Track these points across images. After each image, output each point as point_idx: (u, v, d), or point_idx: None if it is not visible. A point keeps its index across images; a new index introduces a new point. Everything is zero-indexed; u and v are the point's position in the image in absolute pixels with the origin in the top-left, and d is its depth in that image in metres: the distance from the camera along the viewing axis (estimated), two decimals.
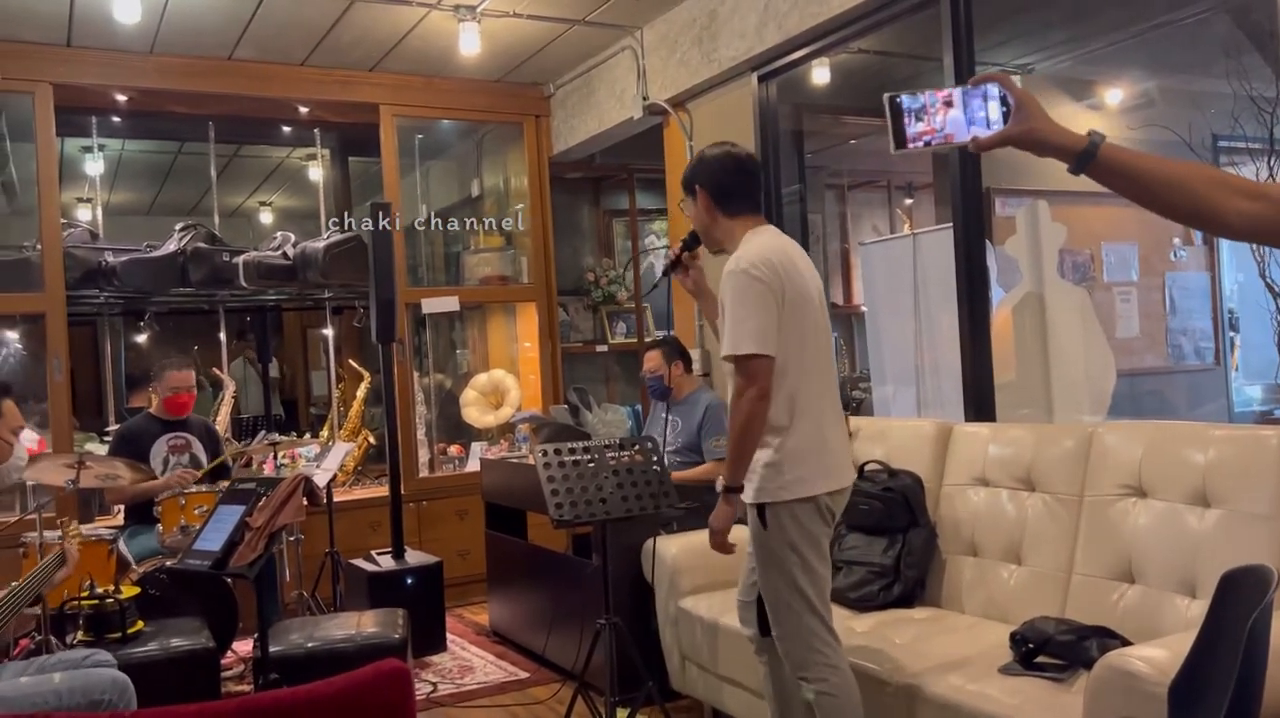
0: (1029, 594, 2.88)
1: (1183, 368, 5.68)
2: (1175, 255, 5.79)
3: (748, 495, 2.59)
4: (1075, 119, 5.69)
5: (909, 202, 7.36)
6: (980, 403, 3.64)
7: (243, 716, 1.28)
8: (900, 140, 1.45)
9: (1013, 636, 2.56)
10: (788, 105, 4.88)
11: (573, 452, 3.26)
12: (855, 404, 5.43)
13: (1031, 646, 2.50)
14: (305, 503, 3.02)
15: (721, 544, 2.67)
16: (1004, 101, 1.44)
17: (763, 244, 2.61)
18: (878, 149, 6.65)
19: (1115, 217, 5.53)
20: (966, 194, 3.64)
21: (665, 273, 2.95)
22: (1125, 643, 2.37)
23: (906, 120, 1.44)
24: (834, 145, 6.34)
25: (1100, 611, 2.63)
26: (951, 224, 3.70)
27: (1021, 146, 1.44)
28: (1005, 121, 1.44)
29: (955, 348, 3.73)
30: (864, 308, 5.17)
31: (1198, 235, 5.79)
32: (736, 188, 2.70)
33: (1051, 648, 2.47)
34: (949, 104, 1.44)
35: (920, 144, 1.45)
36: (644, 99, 5.12)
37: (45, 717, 1.29)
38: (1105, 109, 5.65)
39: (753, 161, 2.77)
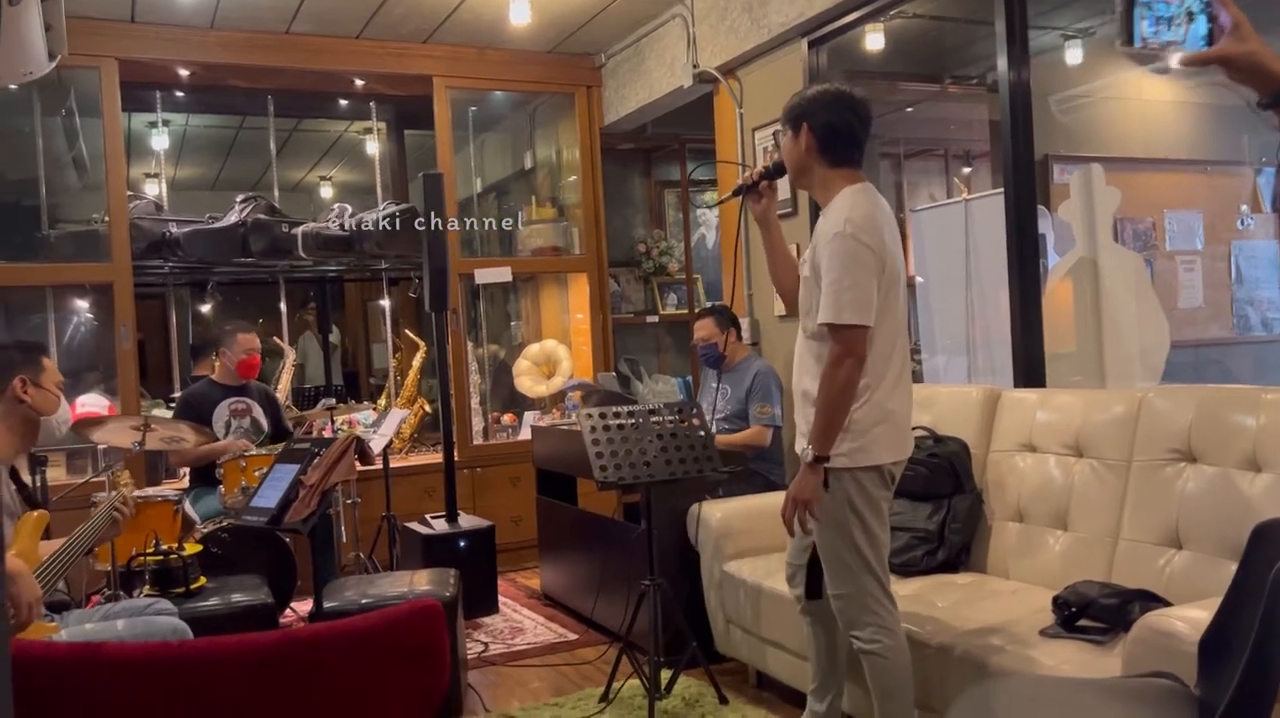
0: (1074, 560, 2.85)
1: (1249, 339, 5.53)
2: (1242, 224, 5.62)
3: (810, 457, 2.58)
4: (1138, 84, 5.54)
5: (967, 170, 7.24)
6: (1031, 372, 3.60)
7: (283, 646, 1.34)
8: (1129, 37, 1.41)
9: (1055, 599, 2.55)
10: (839, 72, 4.83)
11: (618, 415, 3.30)
12: None
13: (1074, 609, 2.49)
14: (357, 463, 3.10)
15: (803, 517, 2.51)
16: (1210, 19, 1.41)
17: (869, 207, 2.50)
18: (934, 116, 6.55)
19: (1178, 183, 5.39)
20: (1018, 159, 3.58)
21: (736, 193, 2.81)
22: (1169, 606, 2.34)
23: (1140, 18, 1.40)
24: (888, 113, 6.26)
25: (1147, 576, 2.61)
26: (1003, 189, 3.65)
27: (1235, 68, 1.39)
28: (1210, 40, 1.41)
29: (1007, 318, 3.68)
30: (917, 278, 5.12)
31: (1266, 202, 5.62)
32: (847, 136, 2.54)
33: (1094, 612, 2.46)
34: (1189, 14, 1.41)
35: (1147, 46, 1.41)
36: (694, 67, 5.11)
37: (99, 646, 1.36)
38: (1172, 72, 5.49)
39: (868, 109, 2.58)
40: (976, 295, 4.39)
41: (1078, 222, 3.91)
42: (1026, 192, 3.60)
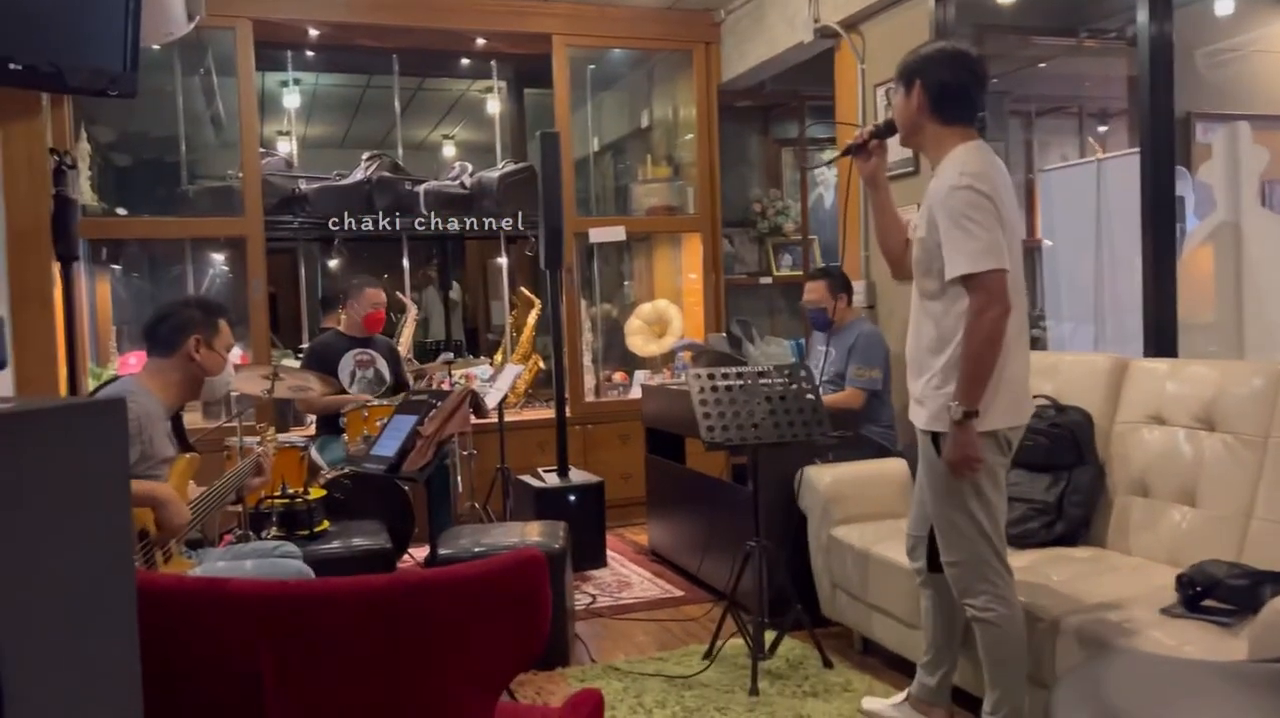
0: (1202, 538, 2.73)
1: None
2: None
3: (921, 420, 2.54)
4: None
5: (1102, 129, 6.90)
6: (1162, 342, 3.44)
7: (394, 589, 1.39)
8: None
9: (1179, 578, 2.45)
10: (968, 26, 4.64)
11: (726, 377, 3.29)
12: (1031, 344, 5.21)
13: (1199, 588, 2.39)
14: (472, 415, 3.18)
15: (968, 469, 2.44)
16: None
17: (983, 162, 2.47)
18: (1068, 72, 6.26)
19: None
20: (1156, 116, 3.39)
21: (845, 153, 2.79)
22: None
23: None
24: (1020, 69, 6.00)
25: None
26: (1139, 149, 3.47)
27: None
28: None
29: (1139, 287, 3.51)
30: (1045, 242, 4.93)
31: None
32: (960, 94, 2.50)
33: (1220, 592, 2.36)
34: None
35: None
36: (816, 22, 4.99)
37: (226, 582, 1.43)
38: None
39: (984, 67, 2.55)
40: (1108, 261, 4.21)
41: (1220, 183, 3.69)
42: (1165, 151, 3.41)
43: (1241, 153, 3.62)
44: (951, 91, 2.51)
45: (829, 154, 6.79)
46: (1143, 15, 3.44)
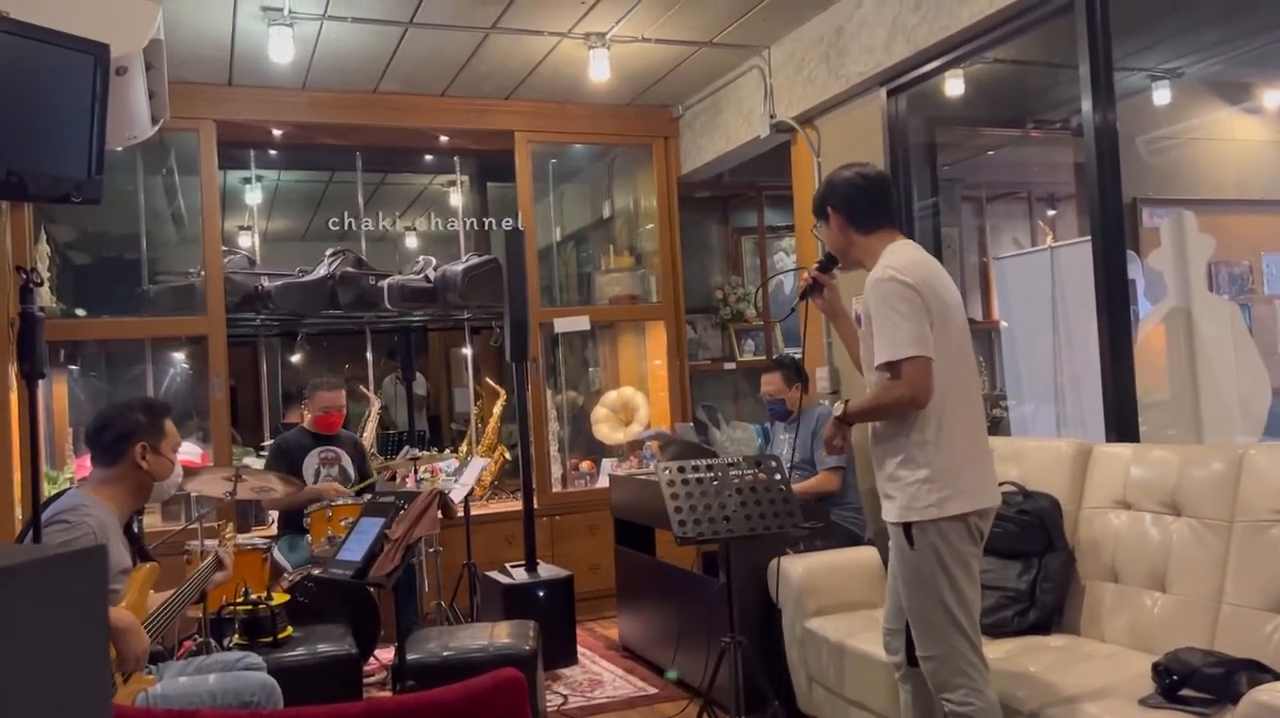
0: (1174, 624, 2.74)
1: None
2: None
3: (891, 514, 2.55)
4: (1230, 124, 5.40)
5: (1052, 213, 7.10)
6: (1122, 423, 3.49)
7: (369, 717, 1.35)
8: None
9: (1155, 666, 2.44)
10: (919, 118, 4.80)
11: (696, 469, 3.29)
12: (994, 423, 5.27)
13: (1175, 677, 2.38)
14: (440, 516, 3.14)
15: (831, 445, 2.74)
16: None
17: (911, 254, 2.62)
18: (1016, 159, 6.46)
19: (1277, 225, 5.22)
20: (1106, 205, 3.50)
21: (803, 297, 2.93)
22: (1279, 679, 2.23)
23: None
24: (970, 157, 6.20)
25: (1253, 643, 2.49)
26: (1090, 235, 3.56)
27: None
28: None
29: (1097, 365, 3.58)
30: (1002, 323, 5.02)
31: None
32: (869, 205, 2.70)
33: (1197, 681, 2.35)
34: None
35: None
36: (771, 117, 5.13)
37: (194, 713, 1.39)
38: (1264, 112, 5.35)
39: (882, 177, 2.78)
40: (1064, 341, 4.29)
41: (1170, 271, 3.80)
42: (1115, 239, 3.51)
43: (1188, 241, 3.74)
44: (860, 204, 2.69)
45: (789, 242, 6.91)
46: (1087, 106, 3.56)
